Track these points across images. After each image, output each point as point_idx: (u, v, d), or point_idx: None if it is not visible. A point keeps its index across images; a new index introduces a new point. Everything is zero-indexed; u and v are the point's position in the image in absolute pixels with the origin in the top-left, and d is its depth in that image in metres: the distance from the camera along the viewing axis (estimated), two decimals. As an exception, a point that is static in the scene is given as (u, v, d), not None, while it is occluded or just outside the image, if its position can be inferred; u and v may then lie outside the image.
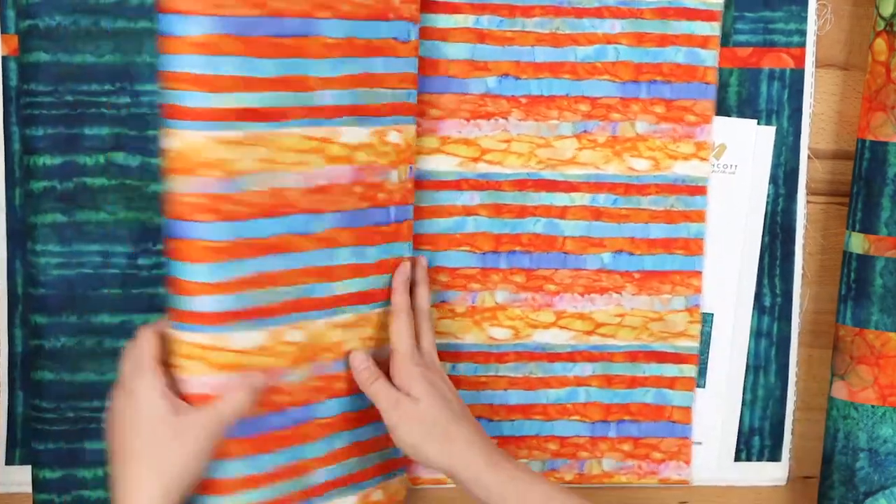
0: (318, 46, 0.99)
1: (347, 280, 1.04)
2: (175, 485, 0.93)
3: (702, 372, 1.18)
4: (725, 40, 1.14)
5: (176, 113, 0.94)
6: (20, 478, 1.15)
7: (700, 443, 1.19)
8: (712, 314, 1.17)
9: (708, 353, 1.17)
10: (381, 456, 1.09)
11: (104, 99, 1.07)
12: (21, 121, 1.10)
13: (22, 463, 1.15)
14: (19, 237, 1.12)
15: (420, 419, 1.01)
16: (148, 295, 1.10)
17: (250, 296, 0.98)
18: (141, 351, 0.96)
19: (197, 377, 0.97)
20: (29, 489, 1.13)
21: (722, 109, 1.15)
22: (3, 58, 1.11)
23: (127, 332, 1.09)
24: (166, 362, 0.97)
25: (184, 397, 0.96)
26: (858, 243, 1.11)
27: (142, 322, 1.09)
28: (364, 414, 1.07)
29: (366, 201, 1.04)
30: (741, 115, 1.15)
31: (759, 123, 1.15)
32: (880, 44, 1.09)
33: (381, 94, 1.04)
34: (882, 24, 1.09)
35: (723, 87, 1.14)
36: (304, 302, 1.01)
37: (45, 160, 1.08)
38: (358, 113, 1.02)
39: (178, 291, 0.96)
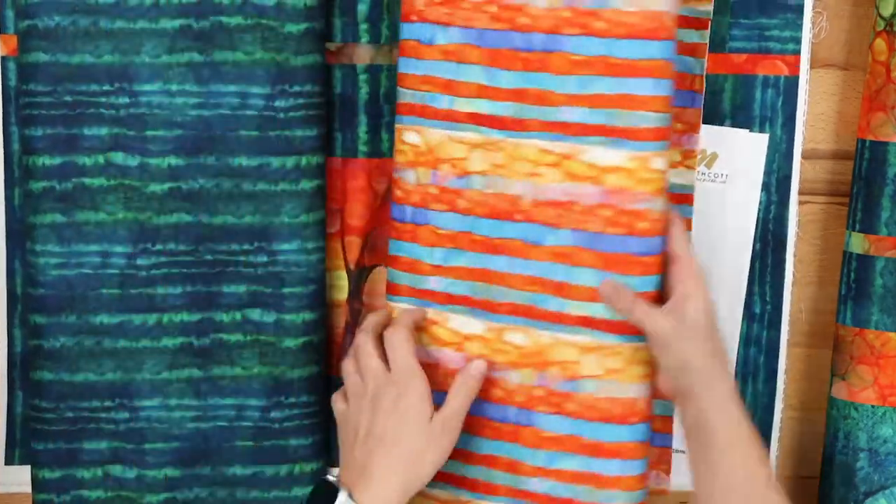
0: (564, 63, 0.99)
1: (587, 303, 1.01)
2: (417, 482, 0.99)
3: None
4: (720, 46, 1.14)
5: (421, 112, 1.05)
6: (20, 478, 1.15)
7: (683, 451, 1.18)
8: None
9: None
10: (613, 496, 1.04)
11: (103, 99, 1.07)
12: (20, 121, 1.10)
13: (21, 463, 1.15)
14: (18, 237, 1.12)
15: (700, 341, 0.98)
16: (147, 295, 1.10)
17: (469, 286, 1.05)
18: (408, 346, 1.02)
19: (420, 347, 1.05)
20: (28, 489, 1.13)
21: (716, 116, 1.15)
22: (3, 58, 1.11)
23: (126, 332, 1.09)
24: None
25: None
26: (858, 243, 1.11)
27: (140, 322, 1.09)
28: (600, 447, 1.03)
29: (618, 227, 0.99)
30: (735, 121, 1.15)
31: (752, 130, 1.15)
32: (880, 44, 1.09)
33: (643, 116, 0.98)
34: (882, 24, 1.08)
35: (717, 93, 1.14)
36: (530, 309, 1.03)
37: (45, 160, 1.08)
38: (610, 134, 0.99)
39: (410, 270, 1.07)
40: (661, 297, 1.00)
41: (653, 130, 0.98)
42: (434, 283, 1.06)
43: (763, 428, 1.18)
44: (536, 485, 1.05)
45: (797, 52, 1.14)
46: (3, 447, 1.16)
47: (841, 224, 1.15)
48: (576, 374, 1.03)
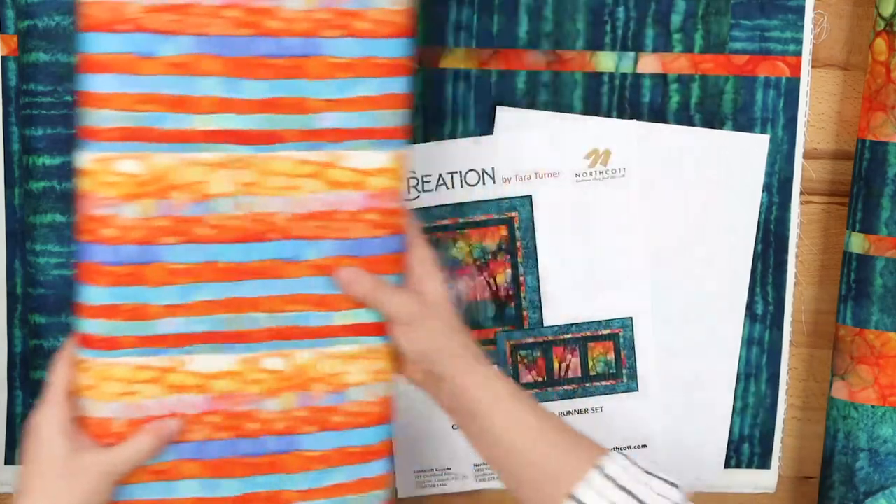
0: (323, 67, 0.95)
1: (352, 310, 0.98)
2: None
3: (632, 376, 1.18)
4: (721, 48, 1.14)
5: (142, 135, 0.92)
6: (20, 478, 1.15)
7: (644, 445, 1.19)
8: (632, 318, 1.17)
9: (634, 356, 1.17)
10: (377, 497, 1.03)
11: (103, 99, 1.07)
12: (20, 121, 1.10)
13: (21, 463, 1.15)
14: (19, 237, 1.12)
15: (442, 319, 0.98)
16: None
17: (214, 320, 0.96)
18: (50, 383, 0.95)
19: (152, 400, 0.96)
20: (28, 489, 1.12)
21: (716, 117, 1.15)
22: (3, 58, 1.11)
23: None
24: (82, 389, 0.95)
25: (132, 422, 0.95)
26: (859, 243, 1.11)
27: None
28: (368, 451, 1.01)
29: (383, 229, 0.98)
30: (736, 122, 1.15)
31: (753, 131, 1.15)
32: (880, 44, 1.09)
33: (402, 114, 0.97)
34: (882, 24, 1.08)
35: (718, 94, 1.14)
36: (290, 330, 0.98)
37: (45, 160, 1.08)
38: (374, 136, 0.96)
39: (134, 317, 0.94)
40: None
41: (408, 128, 0.98)
42: (167, 325, 0.95)
43: (766, 428, 1.19)
44: None
45: (798, 54, 1.14)
46: (3, 447, 1.15)
47: (841, 224, 1.15)
48: (342, 384, 0.99)
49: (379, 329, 0.99)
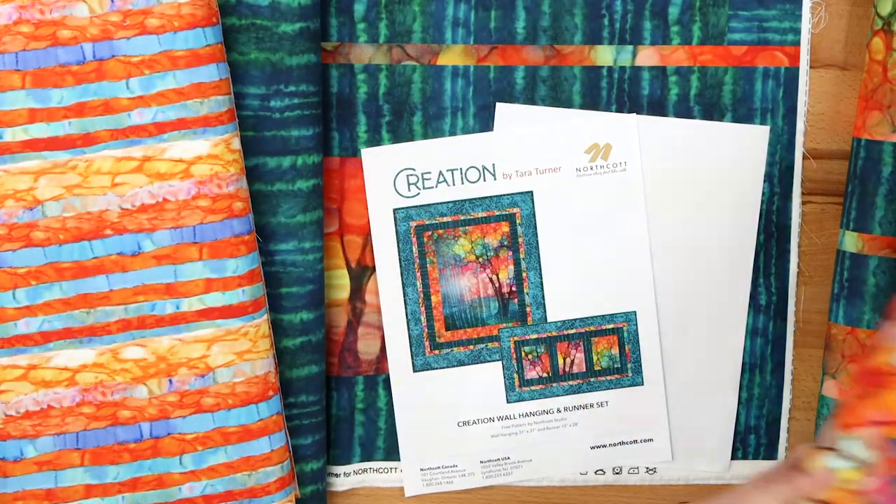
0: (123, 66, 0.99)
1: (202, 295, 1.03)
2: None
3: (637, 370, 1.17)
4: (719, 39, 1.13)
5: None
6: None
7: (650, 439, 1.19)
8: (635, 312, 1.16)
9: (639, 350, 1.17)
10: (269, 473, 1.08)
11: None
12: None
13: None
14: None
15: None
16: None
17: (69, 316, 1.02)
18: None
19: (26, 397, 1.03)
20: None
21: (715, 109, 1.14)
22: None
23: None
24: None
25: (8, 419, 1.02)
26: (852, 242, 1.10)
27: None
28: (246, 430, 1.06)
29: (217, 213, 1.02)
30: (735, 113, 1.14)
31: (753, 122, 1.14)
32: (878, 43, 1.07)
33: (216, 101, 1.01)
34: (880, 23, 1.07)
35: (717, 85, 1.14)
36: (143, 320, 1.03)
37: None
38: (190, 126, 1.01)
39: None
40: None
41: (227, 113, 1.02)
42: (25, 325, 1.03)
43: (772, 419, 1.18)
44: (189, 491, 1.07)
45: (796, 44, 1.13)
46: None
47: (838, 224, 1.14)
48: (206, 368, 1.04)
49: (232, 311, 1.04)
